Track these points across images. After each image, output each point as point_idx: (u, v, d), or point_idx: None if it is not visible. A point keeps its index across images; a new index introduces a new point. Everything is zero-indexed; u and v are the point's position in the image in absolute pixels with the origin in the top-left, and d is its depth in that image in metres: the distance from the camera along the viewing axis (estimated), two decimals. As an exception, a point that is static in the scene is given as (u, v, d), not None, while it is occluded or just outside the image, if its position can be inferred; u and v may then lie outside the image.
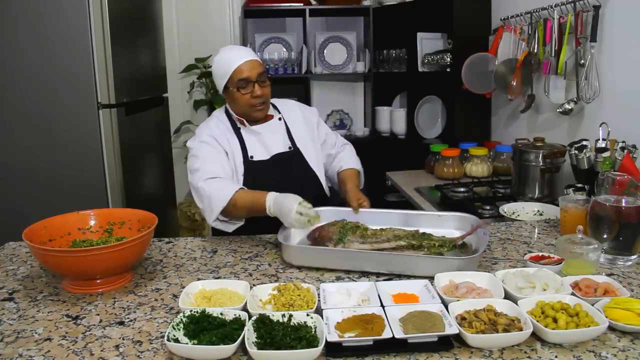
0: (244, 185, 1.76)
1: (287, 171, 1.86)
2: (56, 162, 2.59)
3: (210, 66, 4.03)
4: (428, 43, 3.35)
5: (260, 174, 1.82)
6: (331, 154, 2.02)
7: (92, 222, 1.53)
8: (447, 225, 1.65)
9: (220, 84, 1.83)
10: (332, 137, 2.06)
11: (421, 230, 1.54)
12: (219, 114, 1.92)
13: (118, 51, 2.62)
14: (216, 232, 1.81)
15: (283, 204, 1.54)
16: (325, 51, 3.98)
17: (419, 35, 3.32)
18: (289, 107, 2.00)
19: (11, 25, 2.47)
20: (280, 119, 1.94)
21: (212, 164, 1.75)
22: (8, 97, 2.53)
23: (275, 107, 1.97)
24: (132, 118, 2.80)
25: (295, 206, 1.51)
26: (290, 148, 1.90)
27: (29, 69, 2.51)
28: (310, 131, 1.97)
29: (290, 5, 3.73)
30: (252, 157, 1.83)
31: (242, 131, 1.86)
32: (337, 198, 1.96)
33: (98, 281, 1.33)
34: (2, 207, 2.58)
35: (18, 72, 2.51)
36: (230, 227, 1.73)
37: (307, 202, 1.54)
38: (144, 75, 3.09)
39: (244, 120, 1.85)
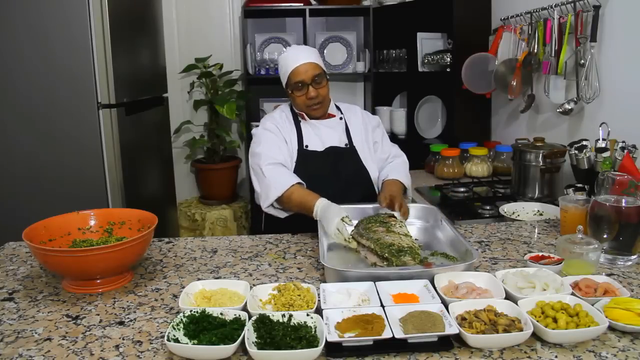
0: (295, 171, 1.83)
1: (339, 164, 1.91)
2: (56, 162, 2.59)
3: (210, 66, 4.04)
4: (428, 43, 3.35)
5: (313, 163, 1.88)
6: (382, 158, 2.03)
7: (92, 222, 1.53)
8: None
9: (283, 82, 1.92)
10: (388, 144, 2.08)
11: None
12: (284, 106, 2.02)
13: (118, 51, 2.62)
14: (269, 218, 1.89)
15: (327, 212, 1.56)
16: (325, 51, 3.97)
17: (419, 35, 3.32)
18: (351, 110, 2.06)
19: (11, 25, 2.46)
20: (341, 118, 2.00)
21: (273, 149, 1.85)
22: (8, 97, 2.53)
23: (339, 109, 2.04)
24: (132, 118, 2.80)
25: (337, 220, 1.52)
26: (346, 145, 1.95)
27: (29, 69, 2.50)
28: (367, 134, 2.01)
29: (290, 5, 3.73)
30: (307, 146, 1.91)
31: (302, 124, 1.95)
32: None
33: (98, 281, 1.33)
34: (2, 207, 2.58)
35: (18, 72, 2.51)
36: (282, 214, 1.80)
37: (349, 219, 1.54)
38: (144, 75, 3.09)
39: (304, 115, 1.93)
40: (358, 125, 2.01)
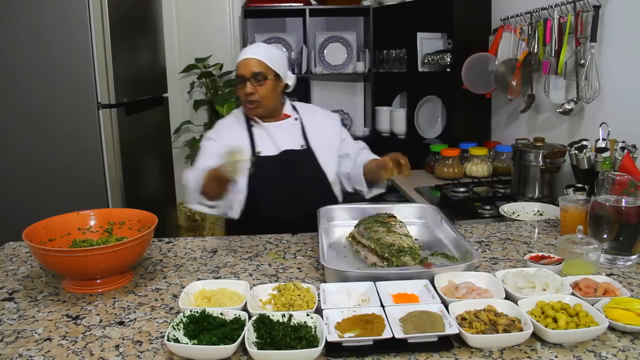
0: (250, 179, 1.82)
1: (296, 168, 1.88)
2: (56, 162, 2.59)
3: (210, 66, 4.04)
4: (428, 43, 3.35)
5: (267, 169, 1.85)
6: (349, 154, 2.01)
7: (92, 222, 1.53)
8: (408, 214, 1.71)
9: None
10: (352, 140, 2.07)
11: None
12: (238, 110, 2.00)
13: (118, 51, 2.62)
14: (229, 230, 1.88)
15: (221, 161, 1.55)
16: (325, 51, 3.97)
17: (419, 35, 3.32)
18: (309, 110, 2.04)
19: (11, 25, 2.46)
20: (296, 119, 1.96)
21: (207, 159, 1.82)
22: (8, 97, 2.53)
23: (294, 108, 2.01)
24: (132, 118, 2.80)
25: (225, 157, 1.50)
26: (302, 147, 1.92)
27: (29, 69, 2.50)
28: (327, 135, 1.98)
29: (290, 5, 3.73)
30: (259, 152, 1.87)
31: (254, 128, 1.91)
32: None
33: (98, 281, 1.33)
34: (2, 207, 2.58)
35: (18, 72, 2.51)
36: (210, 210, 1.78)
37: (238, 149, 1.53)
38: (144, 75, 3.09)
39: (256, 118, 1.90)
40: (317, 126, 1.97)
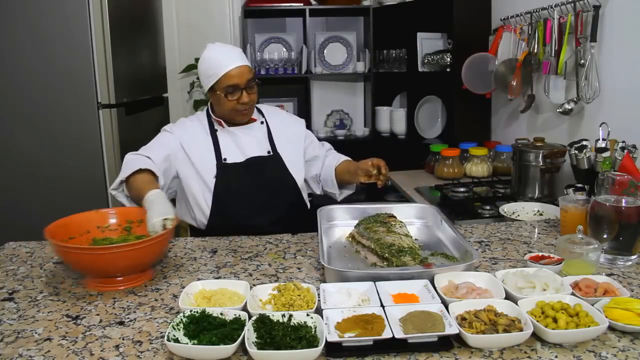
0: (216, 186, 1.76)
1: (263, 175, 1.84)
2: (56, 162, 2.59)
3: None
4: (428, 43, 3.35)
5: (234, 177, 1.80)
6: (318, 156, 1.99)
7: (112, 220, 1.54)
8: (408, 214, 1.71)
9: (206, 83, 1.80)
10: (318, 142, 2.05)
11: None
12: (201, 114, 1.93)
13: (118, 51, 2.62)
14: (206, 233, 1.82)
15: (152, 208, 1.44)
16: (325, 51, 3.97)
17: (419, 35, 3.32)
18: (274, 113, 1.98)
19: (11, 25, 2.47)
20: (262, 122, 1.91)
21: (152, 145, 1.80)
22: (8, 97, 2.53)
23: (260, 111, 1.96)
24: (132, 118, 2.81)
25: (158, 219, 1.39)
26: (269, 152, 1.87)
27: (29, 69, 2.51)
28: (293, 139, 1.94)
29: (290, 5, 3.73)
30: (225, 159, 1.82)
31: (219, 133, 1.85)
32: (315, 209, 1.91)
33: (119, 278, 1.34)
34: (2, 207, 2.58)
35: (18, 72, 2.51)
36: (127, 201, 1.74)
37: (171, 222, 1.41)
38: (144, 75, 3.10)
39: (222, 122, 1.84)
40: (282, 129, 1.92)
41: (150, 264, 1.41)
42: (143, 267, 1.38)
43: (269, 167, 1.85)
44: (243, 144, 1.85)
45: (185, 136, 1.85)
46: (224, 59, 1.76)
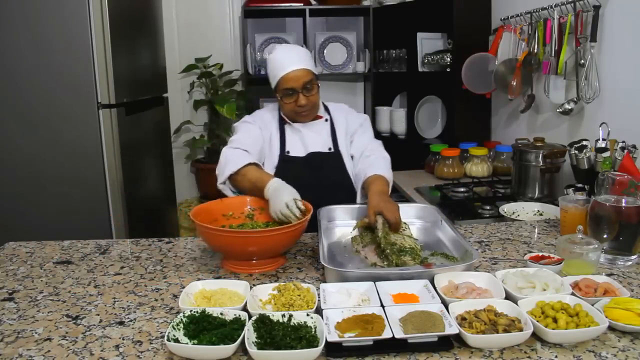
0: (276, 176, 1.77)
1: (321, 171, 1.88)
2: (56, 162, 2.58)
3: (210, 66, 4.03)
4: (428, 43, 3.35)
5: (293, 169, 1.86)
6: (355, 155, 1.94)
7: (236, 209, 1.65)
8: (408, 214, 1.70)
9: (271, 83, 1.88)
10: (366, 138, 1.96)
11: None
12: (274, 106, 1.99)
13: (118, 51, 2.61)
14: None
15: (279, 191, 1.54)
16: (325, 51, 3.98)
17: (419, 35, 3.32)
18: (338, 110, 2.02)
19: (11, 25, 2.46)
20: (327, 120, 1.96)
21: (245, 138, 1.84)
22: (8, 97, 2.53)
23: (327, 108, 2.00)
24: (132, 118, 2.80)
25: (289, 198, 1.50)
26: (330, 149, 1.91)
27: (29, 69, 2.50)
28: (347, 135, 1.96)
29: (290, 5, 3.73)
30: (288, 152, 1.89)
31: (286, 127, 1.92)
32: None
33: (254, 261, 1.42)
34: (2, 207, 2.58)
35: (18, 72, 2.51)
36: (229, 193, 1.78)
37: (302, 202, 1.52)
38: (144, 75, 3.09)
39: (287, 119, 1.91)
40: (345, 127, 1.96)
41: (282, 251, 1.49)
42: (277, 253, 1.46)
43: (329, 163, 1.90)
44: (306, 140, 1.90)
45: (263, 127, 1.92)
46: (281, 62, 1.82)
